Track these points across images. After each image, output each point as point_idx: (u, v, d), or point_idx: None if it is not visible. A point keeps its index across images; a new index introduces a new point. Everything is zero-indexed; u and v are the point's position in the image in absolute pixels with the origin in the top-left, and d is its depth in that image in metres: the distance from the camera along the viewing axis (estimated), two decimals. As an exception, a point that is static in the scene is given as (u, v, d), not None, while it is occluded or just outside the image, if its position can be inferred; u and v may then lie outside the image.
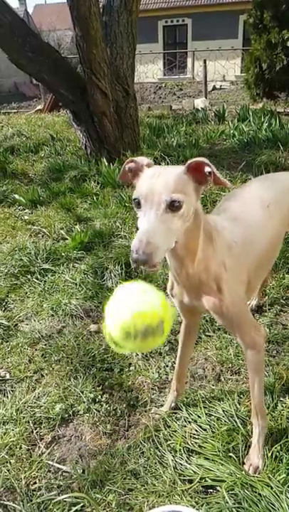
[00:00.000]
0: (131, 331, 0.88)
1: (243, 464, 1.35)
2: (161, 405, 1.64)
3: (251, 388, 1.37)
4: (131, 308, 0.91)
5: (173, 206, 0.97)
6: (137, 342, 0.88)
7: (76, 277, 2.52)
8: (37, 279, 2.56)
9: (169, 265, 1.21)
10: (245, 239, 1.32)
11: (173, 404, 1.61)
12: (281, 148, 4.57)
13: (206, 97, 11.04)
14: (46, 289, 2.46)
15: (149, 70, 16.52)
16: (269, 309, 2.15)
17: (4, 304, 2.40)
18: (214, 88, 14.38)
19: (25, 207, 3.84)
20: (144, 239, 0.92)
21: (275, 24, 7.14)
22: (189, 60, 17.21)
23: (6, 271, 2.66)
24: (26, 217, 3.59)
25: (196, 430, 1.49)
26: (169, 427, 1.52)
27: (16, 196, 3.93)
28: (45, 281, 2.54)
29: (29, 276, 2.58)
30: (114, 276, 2.47)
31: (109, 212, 3.38)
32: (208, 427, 1.49)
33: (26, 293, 2.46)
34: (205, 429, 1.48)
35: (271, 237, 1.49)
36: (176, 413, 1.58)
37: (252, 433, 1.40)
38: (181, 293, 1.29)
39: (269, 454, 1.36)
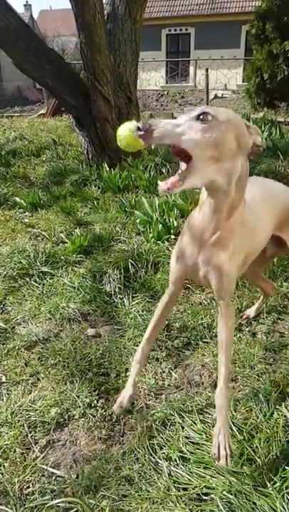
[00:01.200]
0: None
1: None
2: (157, 412, 1.63)
3: (225, 350, 1.44)
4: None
5: (203, 116, 1.09)
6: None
7: (75, 281, 2.52)
8: (35, 281, 2.56)
9: (204, 210, 1.29)
10: (253, 224, 1.43)
11: (137, 379, 1.64)
12: (281, 157, 4.60)
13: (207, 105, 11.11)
14: (44, 292, 2.46)
15: (151, 78, 16.67)
16: (266, 317, 2.15)
17: (2, 306, 2.39)
18: (216, 97, 14.50)
19: (25, 210, 3.85)
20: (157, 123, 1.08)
21: (277, 35, 7.24)
22: (191, 69, 17.39)
23: (4, 273, 2.66)
24: (26, 220, 3.60)
25: (191, 437, 1.48)
26: (164, 433, 1.51)
27: (17, 199, 3.94)
28: (43, 284, 2.54)
29: (27, 279, 2.58)
30: (113, 280, 2.47)
31: (110, 217, 3.39)
32: (203, 434, 1.48)
33: (24, 296, 2.46)
34: (200, 437, 1.47)
35: (265, 231, 1.60)
36: (171, 419, 1.57)
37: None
38: (192, 253, 1.37)
39: (265, 462, 1.36)
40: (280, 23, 7.17)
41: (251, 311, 2.17)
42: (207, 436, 1.46)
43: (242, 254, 1.42)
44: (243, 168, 1.19)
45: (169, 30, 19.23)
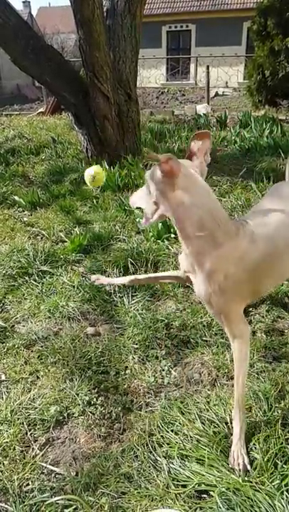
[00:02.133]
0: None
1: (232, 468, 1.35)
2: (156, 409, 1.63)
3: (236, 379, 1.44)
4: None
5: None
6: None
7: (74, 280, 2.52)
8: (35, 280, 2.56)
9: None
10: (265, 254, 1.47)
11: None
12: (282, 155, 4.59)
13: (208, 103, 11.09)
14: (44, 291, 2.46)
15: (151, 75, 16.61)
16: (266, 316, 2.15)
17: (1, 305, 2.40)
18: (216, 94, 14.45)
19: (24, 209, 3.85)
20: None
21: (279, 31, 7.19)
22: (192, 66, 17.30)
23: (3, 272, 2.66)
24: (26, 219, 3.60)
25: (191, 435, 1.48)
26: (164, 431, 1.52)
27: (16, 198, 3.93)
28: (42, 283, 2.54)
29: (27, 278, 2.58)
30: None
31: (109, 216, 3.39)
32: (202, 431, 1.48)
33: (24, 294, 2.46)
34: (199, 434, 1.48)
35: None
36: (170, 417, 1.57)
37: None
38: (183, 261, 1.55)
39: (264, 460, 1.36)
40: (282, 19, 7.12)
41: None
42: (206, 434, 1.47)
43: (243, 286, 1.43)
44: (173, 201, 1.36)
45: (170, 27, 19.14)
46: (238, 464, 1.35)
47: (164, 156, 1.28)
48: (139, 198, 1.49)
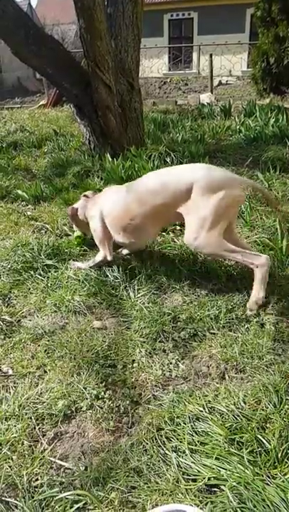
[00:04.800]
0: None
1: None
2: (164, 403, 1.62)
3: None
4: None
5: None
6: None
7: (79, 274, 2.50)
8: (40, 275, 2.54)
9: None
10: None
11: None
12: (288, 144, 4.52)
13: (211, 92, 10.96)
14: (49, 285, 2.45)
15: (154, 65, 16.44)
16: (275, 307, 2.13)
17: (7, 299, 2.39)
18: (220, 83, 14.28)
19: (28, 202, 3.83)
20: None
21: (284, 17, 7.04)
22: (195, 55, 17.09)
23: (8, 267, 2.65)
24: (29, 213, 3.57)
25: (200, 428, 1.47)
26: (172, 424, 1.50)
27: (19, 192, 3.91)
28: (48, 277, 2.52)
29: (32, 272, 2.57)
30: (118, 272, 2.45)
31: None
32: (212, 424, 1.47)
33: (29, 289, 2.45)
34: (208, 428, 1.46)
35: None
36: (178, 410, 1.56)
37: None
38: None
39: (276, 454, 1.35)
40: (286, 4, 6.96)
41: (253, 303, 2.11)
42: (216, 427, 1.45)
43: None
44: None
45: (171, 16, 18.88)
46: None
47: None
48: None
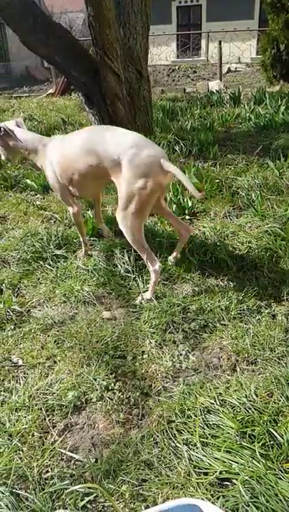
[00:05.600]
0: None
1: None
2: (175, 394, 1.60)
3: None
4: None
5: None
6: None
7: (88, 264, 2.48)
8: (49, 265, 2.53)
9: None
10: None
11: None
12: (299, 131, 4.43)
13: (220, 80, 10.78)
14: (58, 275, 2.43)
15: (162, 52, 16.19)
16: (286, 298, 2.09)
17: (17, 289, 2.38)
18: (229, 70, 14.03)
19: (37, 192, 3.80)
20: None
21: (294, 2, 6.88)
22: (203, 42, 16.81)
23: (18, 256, 2.64)
24: (38, 203, 3.55)
25: (211, 421, 1.45)
26: (183, 417, 1.49)
27: (28, 181, 3.89)
28: (57, 267, 2.51)
29: (41, 262, 2.56)
30: (127, 263, 2.43)
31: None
32: (224, 417, 1.45)
33: (39, 279, 2.44)
34: (220, 421, 1.44)
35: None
36: (189, 403, 1.54)
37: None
38: None
39: None
40: (297, -10, 6.81)
41: (171, 257, 2.42)
42: (227, 420, 1.43)
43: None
44: None
45: (180, 2, 18.54)
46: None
47: None
48: None
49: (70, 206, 2.46)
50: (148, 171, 1.97)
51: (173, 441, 1.41)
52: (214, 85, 9.76)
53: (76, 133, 2.42)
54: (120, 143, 2.06)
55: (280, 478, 1.24)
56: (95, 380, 1.68)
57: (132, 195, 2.01)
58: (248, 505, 1.18)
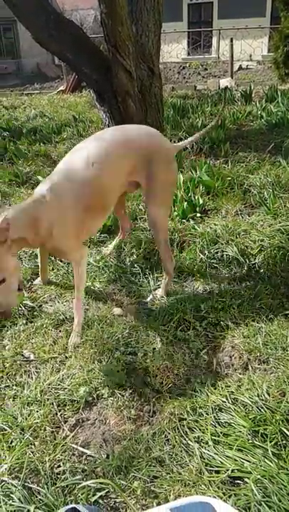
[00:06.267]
0: None
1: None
2: (186, 392, 1.60)
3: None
4: None
5: None
6: None
7: (99, 261, 2.48)
8: (60, 261, 2.54)
9: None
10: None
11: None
12: (311, 130, 4.39)
13: (231, 77, 10.73)
14: (69, 271, 2.44)
15: (173, 50, 16.14)
16: (299, 297, 2.08)
17: (29, 285, 2.39)
18: (240, 68, 13.93)
19: (48, 188, 3.81)
20: None
21: (308, -1, 6.80)
22: (214, 39, 16.69)
23: (29, 252, 2.65)
24: (49, 199, 3.56)
25: (223, 419, 1.45)
26: (195, 414, 1.48)
27: (39, 178, 3.90)
28: (68, 263, 2.51)
29: (53, 258, 2.57)
30: (138, 260, 2.43)
31: (132, 196, 3.32)
32: (235, 416, 1.44)
33: (50, 275, 2.44)
34: (231, 419, 1.44)
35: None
36: (201, 401, 1.53)
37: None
38: None
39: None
40: (310, -14, 6.73)
41: (108, 249, 2.54)
42: (239, 419, 1.43)
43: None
44: None
45: (191, 0, 18.44)
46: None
47: None
48: None
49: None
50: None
51: (184, 439, 1.41)
52: (225, 83, 9.72)
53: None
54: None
55: (293, 478, 1.23)
56: (107, 375, 1.68)
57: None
58: (260, 504, 1.17)
